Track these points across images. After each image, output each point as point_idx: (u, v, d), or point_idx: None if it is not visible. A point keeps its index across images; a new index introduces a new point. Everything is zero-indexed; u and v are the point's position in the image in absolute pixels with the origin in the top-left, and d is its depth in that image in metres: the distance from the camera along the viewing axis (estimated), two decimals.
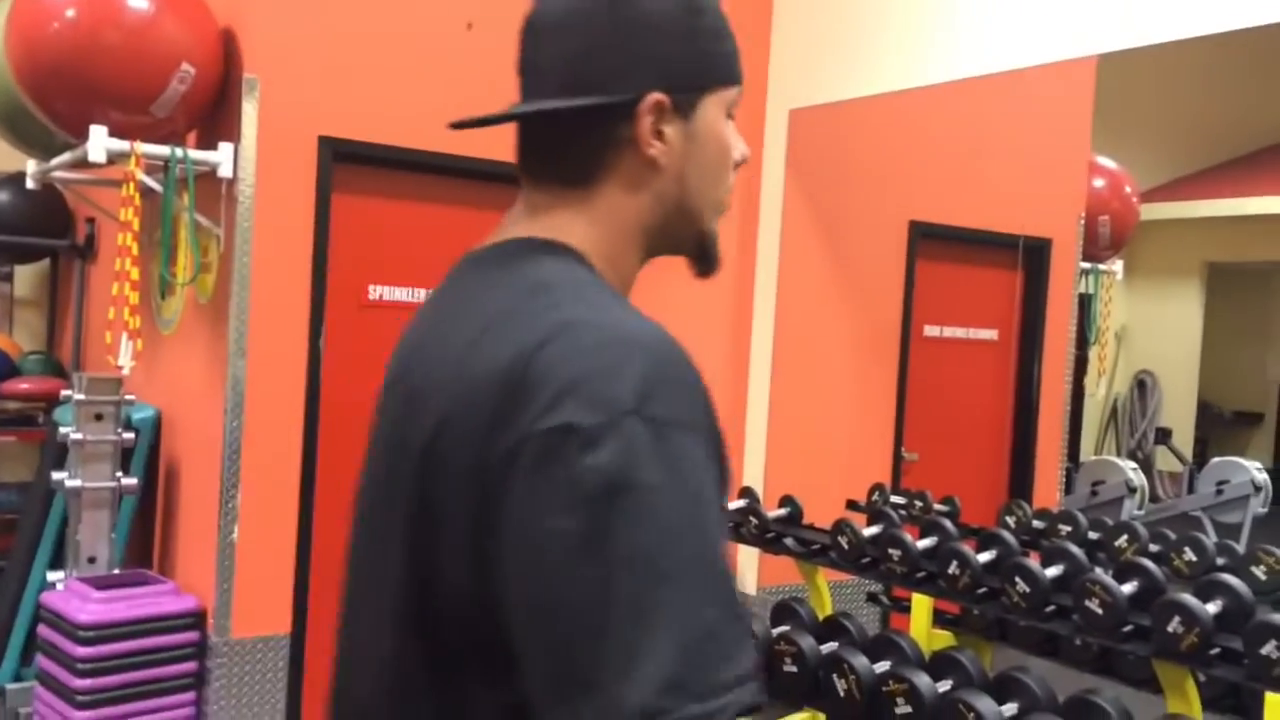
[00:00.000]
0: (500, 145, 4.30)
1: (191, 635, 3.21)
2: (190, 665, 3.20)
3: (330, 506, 3.46)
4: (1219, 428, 9.75)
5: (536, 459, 0.73)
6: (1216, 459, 6.91)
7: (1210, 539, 3.50)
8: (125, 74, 3.06)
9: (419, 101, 3.52)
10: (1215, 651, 2.41)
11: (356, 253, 3.50)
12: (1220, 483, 6.49)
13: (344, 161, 3.43)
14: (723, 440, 0.81)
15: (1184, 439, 8.78)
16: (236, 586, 3.23)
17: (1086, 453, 7.88)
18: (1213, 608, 2.47)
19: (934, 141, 4.60)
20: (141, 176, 3.12)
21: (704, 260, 0.99)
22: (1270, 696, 2.26)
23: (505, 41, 4.01)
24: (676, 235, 0.96)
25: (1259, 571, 2.96)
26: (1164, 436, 8.44)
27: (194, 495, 3.46)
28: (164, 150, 3.15)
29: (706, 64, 0.94)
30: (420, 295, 3.63)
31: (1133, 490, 5.92)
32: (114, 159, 3.09)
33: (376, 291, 3.57)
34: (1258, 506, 6.29)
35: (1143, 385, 8.74)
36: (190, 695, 3.21)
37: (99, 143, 3.04)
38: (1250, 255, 9.05)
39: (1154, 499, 7.36)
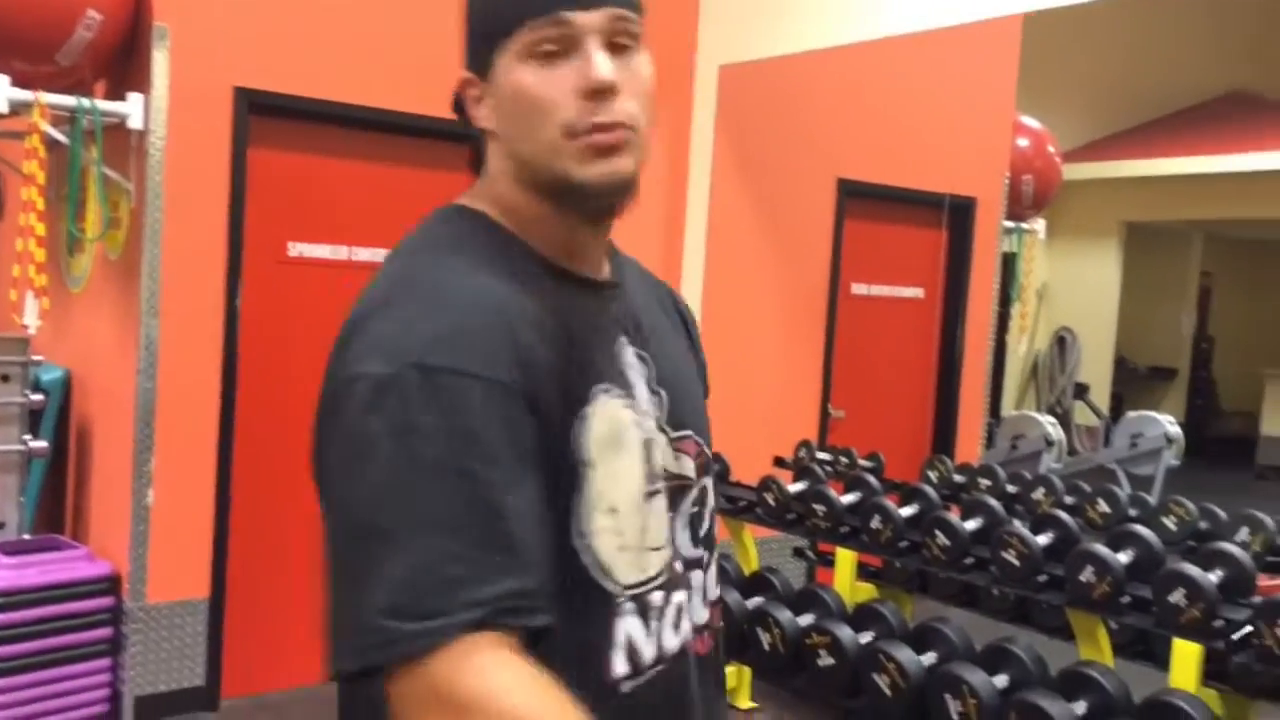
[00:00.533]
0: (422, 99, 4.21)
1: (106, 601, 3.13)
2: (105, 631, 3.13)
3: (249, 467, 3.39)
4: (1135, 383, 10.04)
5: (327, 407, 0.85)
6: (1131, 413, 7.12)
7: (1125, 491, 3.60)
8: (28, 20, 2.92)
9: (339, 53, 3.43)
10: (1126, 600, 2.49)
11: (275, 208, 3.41)
12: (1135, 436, 6.67)
13: (261, 114, 3.33)
14: (518, 387, 0.84)
15: (1101, 394, 9.03)
16: (151, 551, 3.16)
17: (1008, 408, 8.06)
18: (1124, 557, 2.55)
19: (862, 100, 4.61)
20: (46, 128, 2.99)
21: (571, 203, 0.94)
22: (1177, 642, 2.34)
23: None
24: (541, 188, 0.94)
25: (1169, 522, 3.05)
26: (1081, 392, 8.66)
27: (106, 458, 3.36)
28: (70, 100, 3.02)
29: (490, 22, 0.93)
30: (343, 252, 3.56)
31: (1050, 444, 6.07)
32: (17, 110, 2.96)
33: (296, 248, 3.48)
34: (1170, 459, 6.48)
35: (1062, 342, 8.94)
36: (106, 662, 3.14)
37: (0, 93, 2.90)
38: (1166, 215, 9.27)
39: (1072, 452, 7.56)
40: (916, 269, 5.03)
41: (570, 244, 0.97)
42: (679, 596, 0.98)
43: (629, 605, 0.92)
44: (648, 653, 0.94)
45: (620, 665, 0.92)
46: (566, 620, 0.85)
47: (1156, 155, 8.73)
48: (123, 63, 3.18)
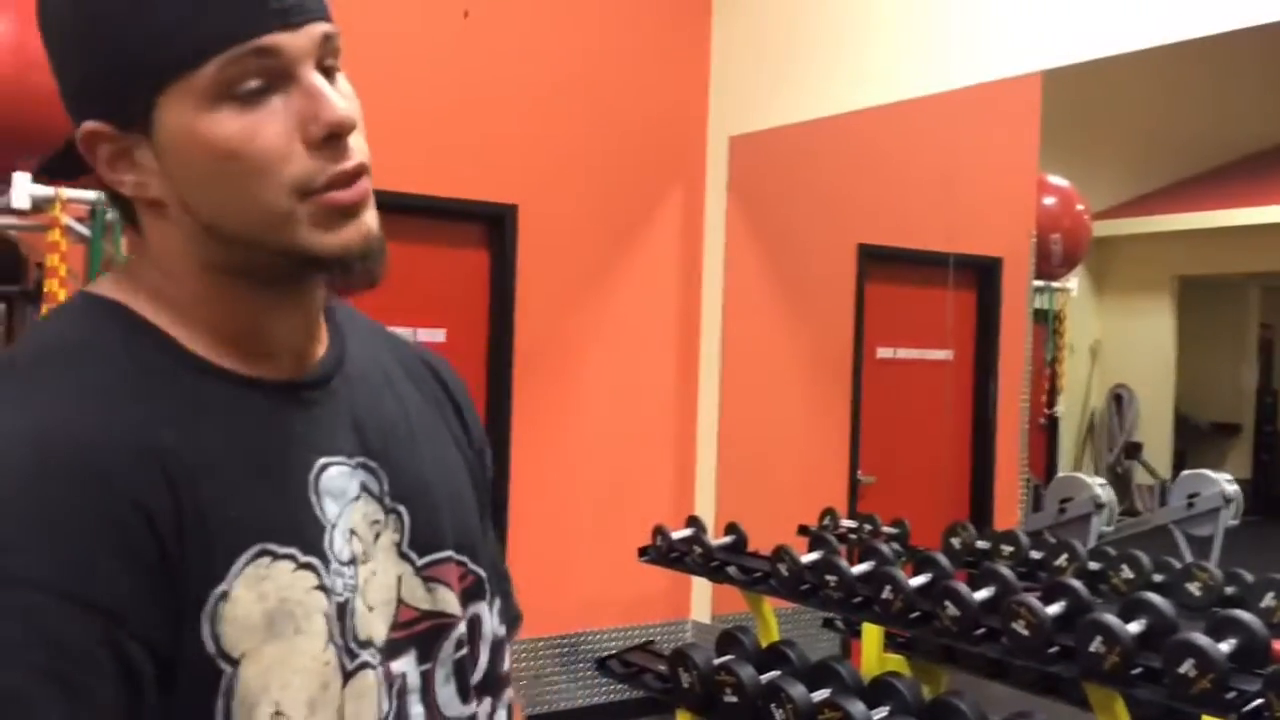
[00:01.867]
0: (432, 181, 4.31)
1: None
2: None
3: None
4: (1197, 439, 9.73)
5: None
6: (1186, 472, 6.89)
7: (1185, 553, 3.48)
8: (53, 120, 3.06)
9: None
10: (1137, 671, 2.39)
11: None
12: (1191, 495, 6.46)
13: None
14: (64, 580, 0.62)
15: (1162, 451, 8.76)
16: None
17: (1065, 469, 7.87)
18: (1135, 627, 2.45)
19: (880, 163, 4.62)
20: (68, 221, 3.12)
21: (319, 275, 0.75)
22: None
23: (419, 78, 4.00)
24: (251, 265, 0.73)
25: (1193, 588, 2.94)
26: (1134, 450, 8.43)
27: None
28: (90, 195, 3.15)
29: (140, 62, 0.69)
30: None
31: (1100, 506, 5.90)
32: (40, 205, 3.09)
33: None
34: (1228, 518, 6.26)
35: (1119, 399, 8.73)
36: None
37: (23, 189, 3.04)
38: (1221, 268, 9.06)
39: (1134, 513, 7.34)
40: (944, 331, 4.97)
41: (258, 338, 0.76)
42: None
43: None
44: None
45: None
46: None
47: (1207, 208, 8.59)
48: None
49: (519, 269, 3.80)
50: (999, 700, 2.96)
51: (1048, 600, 2.67)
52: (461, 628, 0.84)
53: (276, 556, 0.71)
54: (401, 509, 0.81)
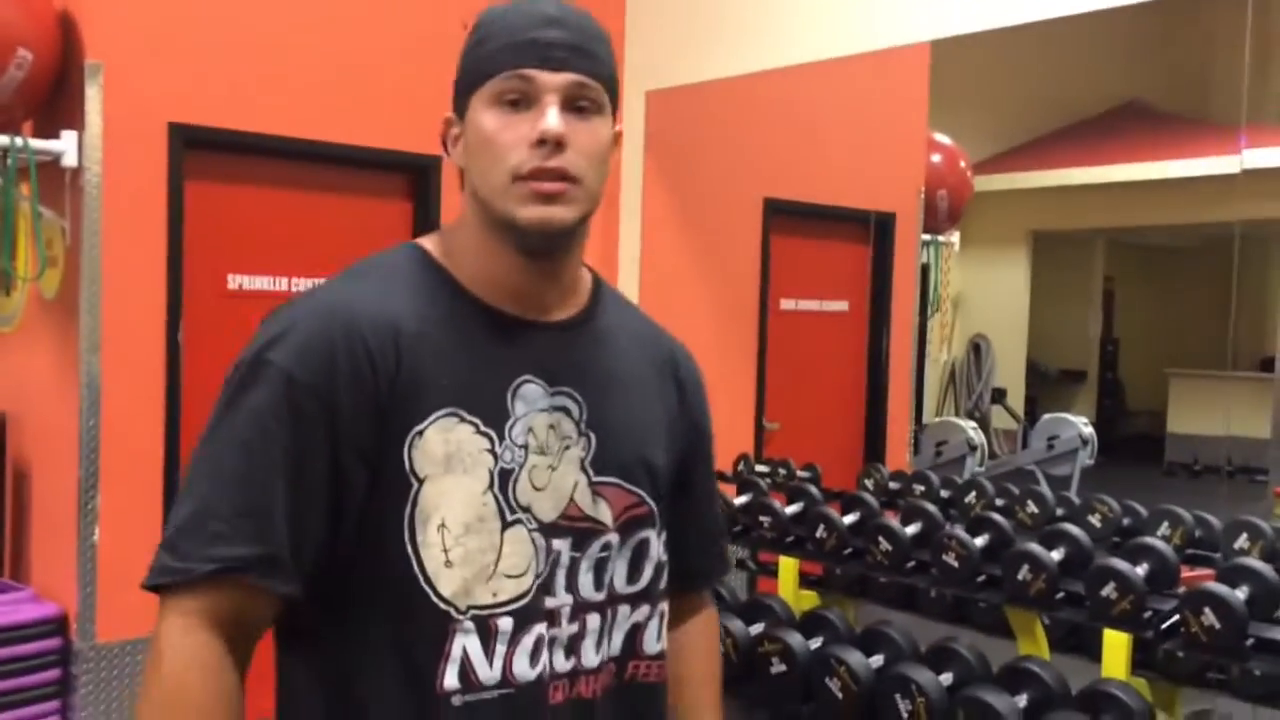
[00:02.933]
0: (353, 130, 4.25)
1: (53, 642, 3.09)
2: (54, 673, 3.08)
3: None
4: (1048, 386, 10.39)
5: None
6: (1046, 416, 7.38)
7: (1047, 491, 3.78)
8: None
9: (273, 85, 3.44)
10: (1060, 595, 2.62)
11: (213, 242, 3.41)
12: (1051, 438, 6.93)
13: (196, 148, 3.32)
14: (317, 387, 0.97)
15: (1016, 398, 9.33)
16: (100, 589, 3.12)
17: (929, 415, 8.29)
18: (1057, 555, 2.69)
19: (786, 121, 4.75)
20: None
21: (510, 240, 1.04)
22: (1109, 634, 2.48)
23: (351, 25, 3.95)
24: (489, 221, 1.05)
25: (1094, 520, 3.21)
26: (999, 396, 8.95)
27: (48, 498, 3.32)
28: (2, 140, 2.99)
29: (472, 72, 1.05)
30: (282, 283, 3.56)
31: (974, 448, 6.27)
32: None
33: (236, 281, 3.48)
34: (1085, 459, 6.75)
35: (978, 348, 9.23)
36: (55, 704, 3.09)
37: None
38: (1070, 223, 9.65)
39: (992, 456, 7.81)
40: (842, 283, 5.18)
41: (505, 282, 1.06)
42: (540, 629, 1.03)
43: (467, 624, 0.99)
44: (485, 674, 1.00)
45: (451, 679, 0.99)
46: (390, 621, 0.99)
47: (1058, 166, 9.10)
48: (55, 100, 3.15)
49: (443, 220, 3.79)
50: (913, 630, 3.17)
51: (973, 533, 2.88)
52: (610, 536, 1.09)
53: (462, 419, 1.01)
54: (592, 435, 1.08)
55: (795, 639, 2.91)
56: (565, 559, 1.05)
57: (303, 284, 3.59)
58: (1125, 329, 11.38)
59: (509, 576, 1.01)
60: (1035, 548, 2.66)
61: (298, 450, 0.96)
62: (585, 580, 1.07)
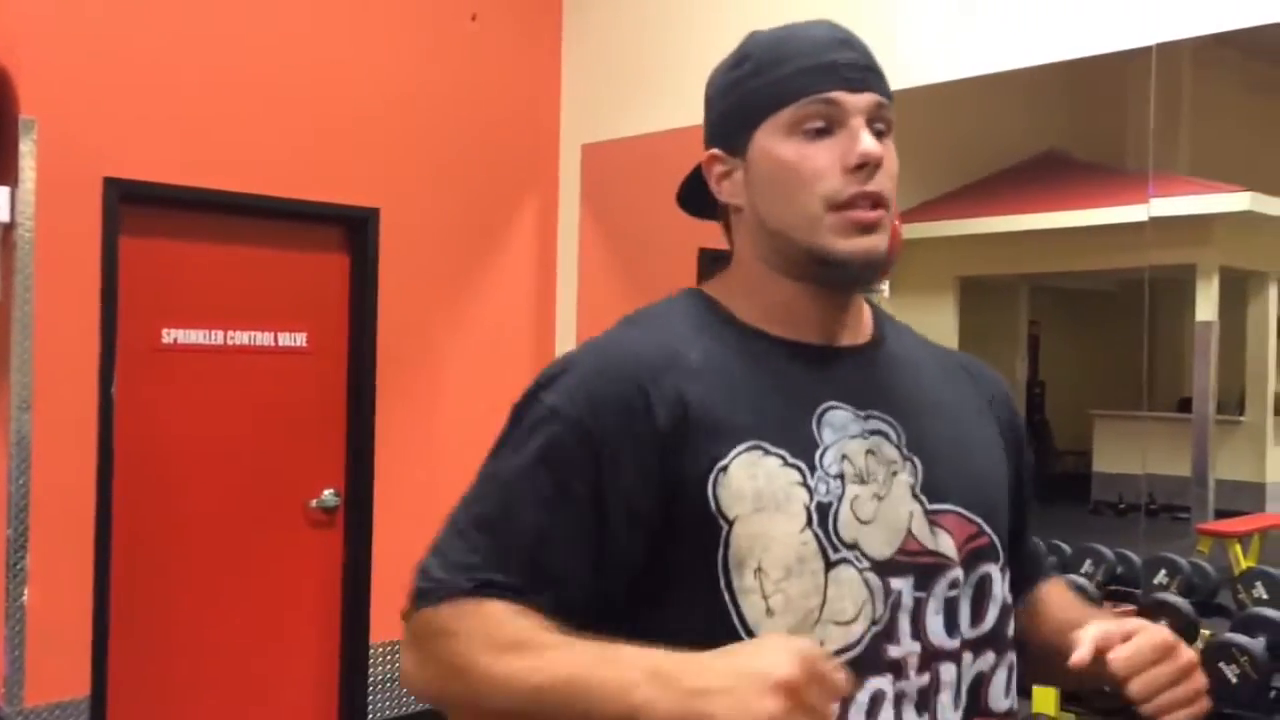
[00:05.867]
0: (289, 183, 4.28)
1: None
2: None
3: (128, 560, 3.32)
4: None
5: None
6: None
7: None
8: None
9: (208, 139, 3.46)
10: None
11: (148, 296, 3.40)
12: None
13: (131, 202, 3.32)
14: (583, 420, 0.92)
15: None
16: (29, 651, 3.06)
17: None
18: None
19: None
20: None
21: (827, 272, 0.96)
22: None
23: (287, 78, 4.00)
24: (787, 257, 0.97)
25: (1087, 566, 3.30)
26: None
27: None
28: None
29: (750, 105, 0.97)
30: (218, 337, 3.55)
31: None
32: None
33: (171, 335, 3.46)
34: None
35: None
36: None
37: None
38: (995, 269, 9.90)
39: None
40: None
41: (796, 314, 0.98)
42: (880, 682, 0.90)
43: None
44: None
45: None
46: None
47: (982, 214, 9.36)
48: None
49: (381, 273, 3.81)
50: None
51: None
52: (956, 572, 0.96)
53: (768, 453, 0.92)
54: (916, 460, 0.97)
55: None
56: (908, 600, 0.92)
57: (239, 338, 3.58)
58: (1051, 372, 11.67)
59: (836, 623, 0.89)
60: None
61: (557, 489, 0.90)
62: (934, 624, 0.93)
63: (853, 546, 0.91)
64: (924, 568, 0.94)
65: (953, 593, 0.95)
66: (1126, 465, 9.00)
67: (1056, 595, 1.13)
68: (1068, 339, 12.12)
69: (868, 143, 0.93)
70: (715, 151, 1.01)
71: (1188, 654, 0.92)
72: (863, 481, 0.94)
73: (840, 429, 0.95)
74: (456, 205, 4.03)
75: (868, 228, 0.94)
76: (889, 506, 0.94)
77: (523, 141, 4.22)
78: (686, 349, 0.95)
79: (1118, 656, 0.90)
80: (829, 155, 0.94)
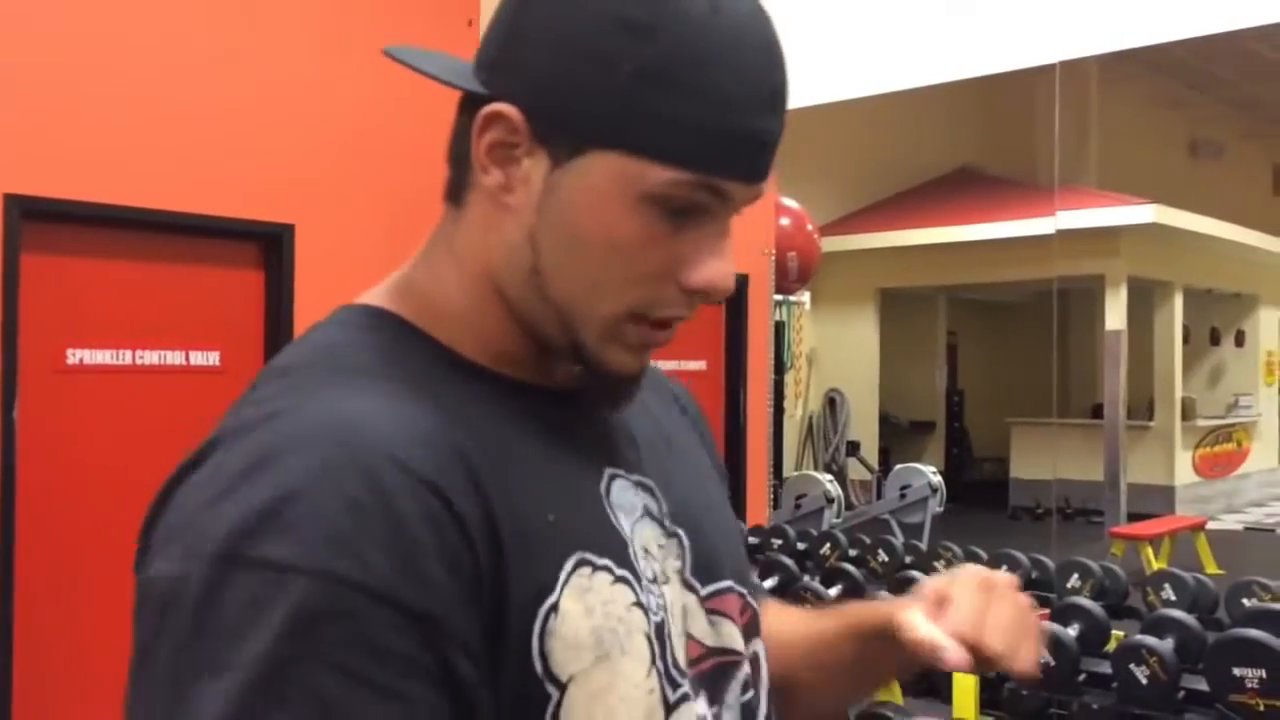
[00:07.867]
0: (203, 199, 4.20)
1: None
2: None
3: (32, 589, 3.21)
4: (900, 437, 10.79)
5: (135, 611, 0.64)
6: (899, 466, 7.68)
7: (898, 539, 3.93)
8: None
9: (114, 153, 3.37)
10: None
11: (51, 315, 3.29)
12: (903, 487, 7.20)
13: (34, 219, 3.21)
14: (381, 587, 0.56)
15: (870, 449, 9.66)
16: None
17: (789, 469, 8.51)
18: None
19: None
20: None
21: (582, 372, 0.69)
22: (957, 676, 2.59)
23: (197, 90, 3.91)
24: (542, 324, 0.68)
25: (940, 565, 3.35)
26: (854, 449, 9.25)
27: None
28: None
29: (619, 115, 0.63)
30: (126, 356, 3.45)
31: (830, 501, 6.47)
32: None
33: (76, 355, 3.36)
34: (935, 506, 7.03)
35: (833, 402, 9.54)
36: None
37: None
38: (913, 281, 10.12)
39: (849, 506, 8.06)
40: (698, 343, 5.31)
41: (518, 350, 0.69)
42: None
43: None
44: None
45: None
46: None
47: (901, 227, 9.56)
48: None
49: (297, 289, 3.75)
50: None
51: (828, 584, 2.98)
52: (746, 668, 0.74)
53: (595, 567, 0.64)
54: (681, 533, 0.73)
55: None
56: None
57: (149, 357, 3.49)
58: (969, 380, 11.93)
59: None
60: (882, 595, 2.76)
61: (388, 703, 0.56)
62: None
63: (685, 673, 0.68)
64: (710, 674, 0.71)
65: (746, 695, 0.74)
66: (1043, 471, 9.25)
67: (789, 618, 0.90)
68: (985, 349, 12.41)
69: (725, 269, 0.67)
70: (512, 112, 0.65)
71: (1003, 578, 0.76)
72: (666, 580, 0.70)
73: (630, 510, 0.70)
74: (375, 221, 3.98)
75: (649, 347, 0.69)
76: (671, 607, 0.70)
77: (442, 154, 4.18)
78: (441, 421, 0.62)
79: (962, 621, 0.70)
80: (668, 255, 0.66)
